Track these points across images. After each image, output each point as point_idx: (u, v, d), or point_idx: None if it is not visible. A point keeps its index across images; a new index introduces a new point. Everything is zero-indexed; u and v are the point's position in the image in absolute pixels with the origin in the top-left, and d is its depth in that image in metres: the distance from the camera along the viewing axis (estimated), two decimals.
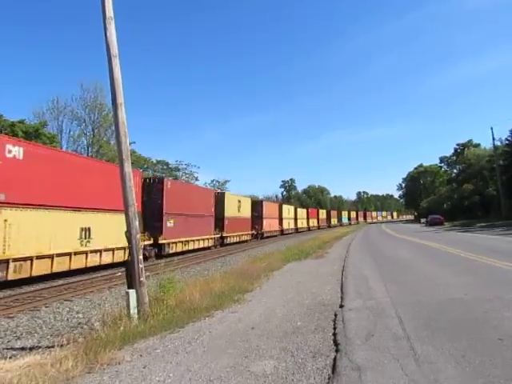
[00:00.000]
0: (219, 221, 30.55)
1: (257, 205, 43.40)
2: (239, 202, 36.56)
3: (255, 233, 40.59)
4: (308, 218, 68.16)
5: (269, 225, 45.26)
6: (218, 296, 7.99)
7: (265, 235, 43.50)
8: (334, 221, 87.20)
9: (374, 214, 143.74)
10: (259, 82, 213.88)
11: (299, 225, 61.55)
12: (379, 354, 4.30)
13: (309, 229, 66.78)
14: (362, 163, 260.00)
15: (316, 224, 72.95)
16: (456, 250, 16.07)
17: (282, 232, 50.80)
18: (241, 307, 7.29)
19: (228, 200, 32.92)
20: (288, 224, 55.00)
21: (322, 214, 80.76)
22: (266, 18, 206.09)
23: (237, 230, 34.47)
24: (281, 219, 51.11)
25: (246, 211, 38.28)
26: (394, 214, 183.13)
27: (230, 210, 32.72)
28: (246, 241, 37.70)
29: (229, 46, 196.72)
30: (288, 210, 56.15)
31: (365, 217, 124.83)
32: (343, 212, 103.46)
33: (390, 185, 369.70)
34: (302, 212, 65.80)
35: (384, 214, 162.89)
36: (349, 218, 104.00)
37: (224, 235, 31.38)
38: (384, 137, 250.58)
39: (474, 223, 44.82)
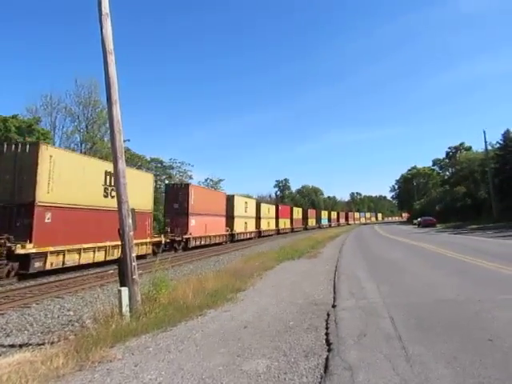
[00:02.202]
0: (21, 216, 13.56)
1: (175, 190, 26.83)
2: (107, 173, 17.34)
3: (167, 241, 23.27)
4: (277, 218, 53.19)
5: (203, 226, 27.98)
6: (211, 295, 7.98)
7: (193, 244, 26.28)
8: (311, 222, 74.20)
9: (356, 215, 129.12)
10: (255, 81, 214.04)
11: (263, 226, 46.09)
12: (371, 354, 4.32)
13: (278, 232, 52.68)
14: (355, 164, 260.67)
15: (289, 225, 59.22)
16: (448, 252, 16.18)
17: (232, 238, 35.21)
18: (234, 306, 7.29)
19: (60, 163, 14.65)
20: (244, 225, 39.04)
21: (297, 213, 66.29)
22: (265, 17, 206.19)
23: (96, 239, 16.45)
24: (230, 218, 34.60)
25: (140, 198, 19.40)
26: (379, 215, 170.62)
27: (64, 190, 14.90)
28: (145, 256, 19.86)
29: (225, 45, 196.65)
30: (245, 205, 39.92)
31: (346, 218, 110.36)
32: (323, 212, 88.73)
33: (383, 186, 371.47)
34: (268, 209, 49.71)
35: (368, 215, 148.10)
36: (329, 220, 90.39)
37: (34, 252, 13.23)
38: (378, 138, 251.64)
39: (466, 225, 45.14)
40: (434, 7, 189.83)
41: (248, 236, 40.20)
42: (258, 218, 44.11)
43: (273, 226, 51.22)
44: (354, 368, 3.93)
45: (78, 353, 4.56)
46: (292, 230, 60.00)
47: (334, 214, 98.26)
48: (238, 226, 36.98)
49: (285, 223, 57.09)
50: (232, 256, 22.31)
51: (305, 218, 70.02)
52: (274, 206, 54.44)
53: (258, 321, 6.11)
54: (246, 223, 39.51)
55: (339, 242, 27.75)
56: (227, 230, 33.83)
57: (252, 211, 42.41)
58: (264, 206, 48.52)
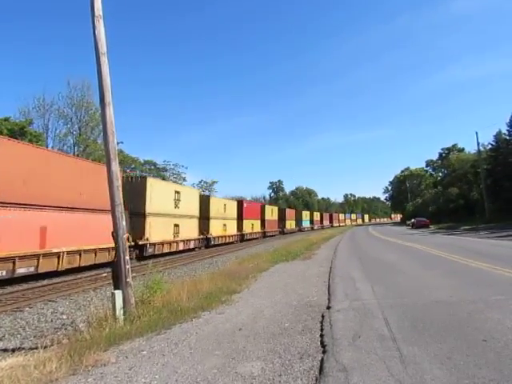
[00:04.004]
0: None
1: None
2: None
3: None
4: (241, 219, 39.06)
5: (31, 234, 13.10)
6: (205, 297, 7.96)
7: None
8: (290, 224, 61.82)
9: (341, 216, 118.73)
10: (247, 82, 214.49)
11: (216, 231, 31.53)
12: (366, 355, 4.32)
13: (242, 238, 39.03)
14: (350, 166, 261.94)
15: (259, 229, 45.41)
16: (441, 253, 16.28)
17: (140, 252, 20.24)
18: (228, 308, 7.27)
19: None
20: (174, 230, 23.88)
21: (271, 212, 52.13)
22: (255, 19, 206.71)
23: None
24: (138, 216, 20.33)
25: None
26: (366, 216, 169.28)
27: None
28: None
29: (215, 47, 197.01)
30: (176, 197, 24.54)
31: (331, 220, 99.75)
32: (304, 213, 77.18)
33: (377, 187, 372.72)
34: (224, 206, 34.80)
35: (353, 216, 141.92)
36: (311, 221, 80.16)
37: None
38: (372, 139, 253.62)
39: (459, 226, 45.47)
40: (426, 9, 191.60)
41: (181, 247, 24.84)
42: (204, 219, 29.70)
43: (233, 230, 36.55)
44: (349, 369, 3.93)
45: (72, 357, 4.52)
46: (264, 235, 47.27)
47: (316, 215, 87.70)
48: (157, 232, 21.51)
49: (252, 226, 43.09)
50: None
51: (281, 219, 57.77)
52: (234, 203, 39.54)
53: (252, 323, 6.09)
54: (176, 226, 24.14)
55: (333, 244, 27.80)
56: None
57: (192, 207, 27.25)
58: (217, 202, 33.95)
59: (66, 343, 5.35)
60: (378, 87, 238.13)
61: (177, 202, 24.70)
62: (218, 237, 32.44)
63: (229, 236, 35.32)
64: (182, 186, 30.85)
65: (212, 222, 31.02)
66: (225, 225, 34.31)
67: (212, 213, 31.26)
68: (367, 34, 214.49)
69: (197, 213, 28.32)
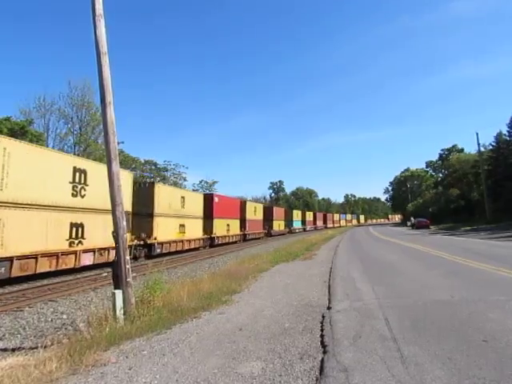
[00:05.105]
0: None
1: None
2: None
3: None
4: (210, 218, 29.40)
5: None
6: (205, 297, 7.95)
7: None
8: (278, 225, 52.74)
9: (336, 217, 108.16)
10: (247, 84, 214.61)
11: (168, 234, 22.73)
12: (366, 356, 4.32)
13: (211, 243, 29.60)
14: (350, 166, 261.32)
15: (237, 231, 36.31)
16: (442, 253, 16.26)
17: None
18: (229, 308, 7.26)
19: None
20: (71, 236, 14.34)
21: (254, 211, 42.48)
22: (254, 21, 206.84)
23: None
24: None
25: None
26: (361, 217, 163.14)
27: None
28: None
29: (216, 48, 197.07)
30: (76, 178, 14.71)
31: (325, 220, 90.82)
32: (295, 212, 67.65)
33: (377, 188, 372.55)
34: (180, 199, 24.99)
35: (349, 217, 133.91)
36: (303, 222, 71.41)
37: None
38: (372, 140, 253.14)
39: (460, 227, 45.43)
40: (426, 10, 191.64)
41: (88, 261, 15.55)
42: (145, 216, 20.96)
43: (196, 233, 27.37)
44: (350, 370, 3.92)
45: (72, 356, 4.52)
46: (244, 238, 38.30)
47: (309, 215, 78.60)
48: (25, 237, 12.39)
49: (228, 227, 33.43)
50: None
51: (268, 219, 48.07)
52: (199, 196, 30.24)
53: (253, 323, 6.09)
54: (77, 227, 14.90)
55: (333, 244, 27.78)
56: None
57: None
58: (168, 192, 24.09)
59: (66, 343, 5.34)
60: (379, 88, 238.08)
61: (77, 187, 15.06)
62: (169, 242, 22.94)
63: (188, 241, 25.79)
64: (92, 161, 18.53)
65: (159, 221, 21.68)
66: (182, 225, 24.88)
67: (158, 208, 21.78)
68: (367, 35, 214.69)
69: (127, 206, 17.44)
